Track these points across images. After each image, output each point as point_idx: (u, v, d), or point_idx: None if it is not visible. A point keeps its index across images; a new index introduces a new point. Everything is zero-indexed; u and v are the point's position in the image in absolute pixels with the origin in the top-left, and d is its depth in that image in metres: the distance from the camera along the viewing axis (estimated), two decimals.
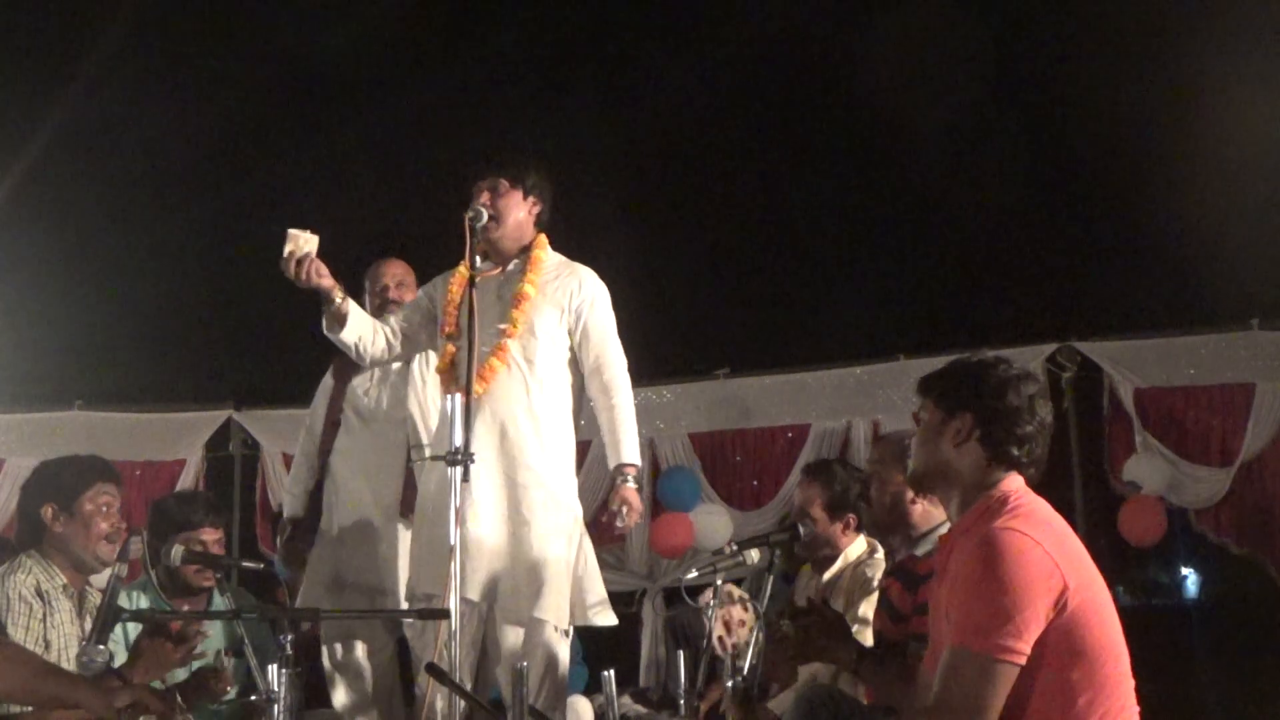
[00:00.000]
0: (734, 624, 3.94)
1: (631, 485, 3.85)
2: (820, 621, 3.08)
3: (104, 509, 3.56)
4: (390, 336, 4.08)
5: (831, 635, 3.07)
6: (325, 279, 3.80)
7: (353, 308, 3.95)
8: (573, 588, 3.86)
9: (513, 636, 3.78)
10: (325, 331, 3.97)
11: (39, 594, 3.45)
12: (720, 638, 3.91)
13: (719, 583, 3.89)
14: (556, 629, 3.80)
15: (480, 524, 3.73)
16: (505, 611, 3.78)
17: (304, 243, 3.74)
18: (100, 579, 3.67)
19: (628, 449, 3.89)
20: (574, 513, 3.93)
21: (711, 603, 3.87)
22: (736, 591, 4.10)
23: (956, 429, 2.71)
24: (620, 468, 3.87)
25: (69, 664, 3.38)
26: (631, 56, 10.06)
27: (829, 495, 4.25)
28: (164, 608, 3.88)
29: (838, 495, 4.23)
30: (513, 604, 3.77)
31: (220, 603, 4.04)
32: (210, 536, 4.09)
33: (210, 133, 9.38)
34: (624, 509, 3.82)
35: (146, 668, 3.33)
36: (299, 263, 3.73)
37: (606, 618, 3.94)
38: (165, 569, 3.79)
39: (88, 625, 3.51)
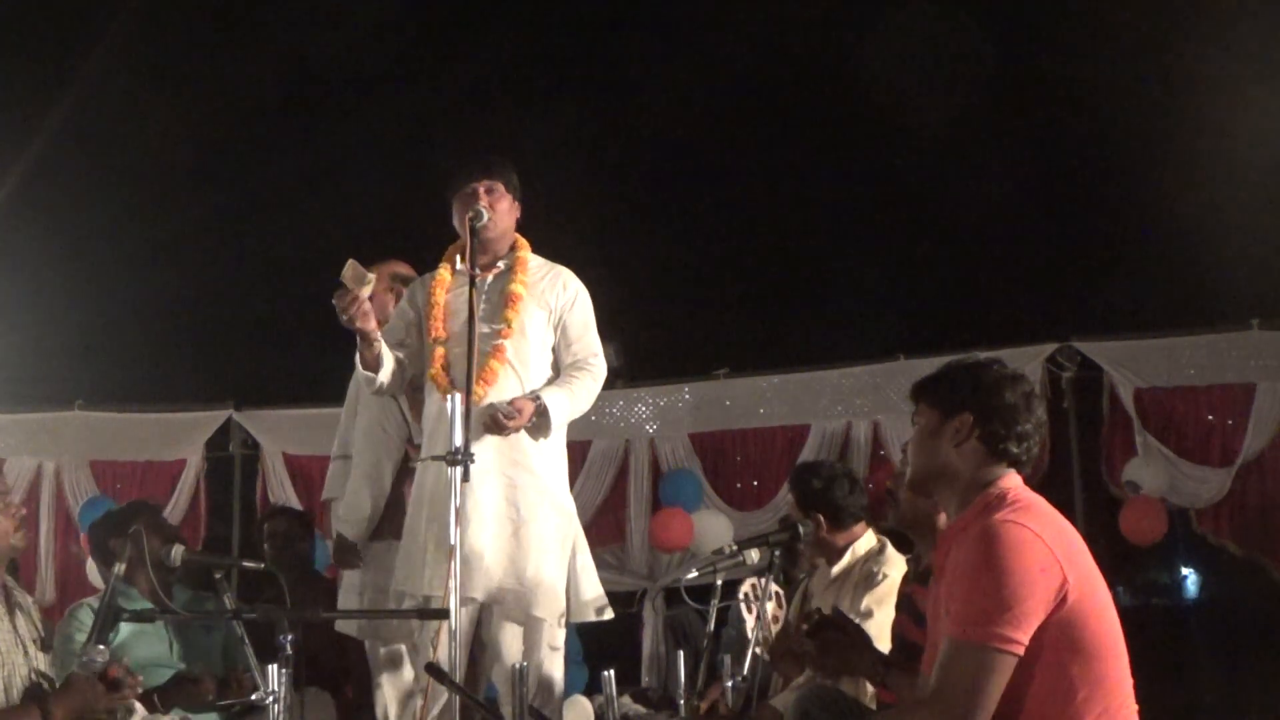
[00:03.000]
0: (768, 620, 3.95)
1: (531, 403, 3.80)
2: (839, 635, 3.10)
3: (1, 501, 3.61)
4: (405, 365, 4.07)
5: (852, 649, 3.08)
6: (370, 322, 3.79)
7: (384, 351, 3.94)
8: (569, 586, 3.91)
9: (510, 635, 3.81)
10: (359, 368, 3.97)
11: None
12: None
13: (717, 582, 3.90)
14: (553, 628, 3.84)
15: (479, 524, 3.74)
16: (503, 610, 3.81)
17: (363, 282, 3.68)
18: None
19: (555, 392, 3.88)
20: (569, 512, 3.98)
21: (717, 601, 3.88)
22: (773, 587, 4.10)
23: (955, 429, 2.71)
24: (536, 393, 3.85)
25: (3, 657, 3.41)
26: (631, 55, 10.04)
27: (796, 496, 4.28)
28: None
29: (803, 496, 4.25)
30: (511, 603, 3.80)
31: (181, 597, 4.10)
32: None
33: (210, 133, 9.39)
34: (512, 409, 3.76)
35: (70, 704, 3.29)
36: (351, 302, 3.69)
37: (603, 614, 4.00)
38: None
39: (18, 620, 3.54)
